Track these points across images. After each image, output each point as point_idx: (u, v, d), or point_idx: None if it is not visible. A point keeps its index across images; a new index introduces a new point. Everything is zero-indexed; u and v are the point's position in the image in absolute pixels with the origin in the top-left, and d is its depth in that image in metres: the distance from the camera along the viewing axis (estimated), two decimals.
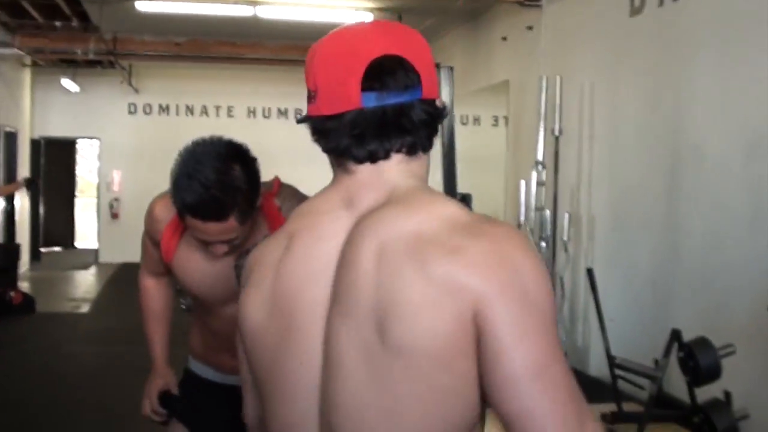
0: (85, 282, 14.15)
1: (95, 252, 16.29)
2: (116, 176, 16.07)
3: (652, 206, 6.18)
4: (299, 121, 1.52)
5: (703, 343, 3.47)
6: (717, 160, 5.39)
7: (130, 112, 15.99)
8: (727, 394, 3.72)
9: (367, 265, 1.31)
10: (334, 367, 1.32)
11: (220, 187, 2.23)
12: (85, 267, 15.50)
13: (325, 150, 1.44)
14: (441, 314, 1.24)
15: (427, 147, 1.46)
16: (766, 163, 4.91)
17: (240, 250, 2.48)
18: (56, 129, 15.83)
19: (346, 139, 1.39)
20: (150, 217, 2.65)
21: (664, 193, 6.03)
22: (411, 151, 1.43)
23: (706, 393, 3.62)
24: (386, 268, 1.29)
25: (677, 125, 5.88)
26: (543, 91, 6.97)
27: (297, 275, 1.39)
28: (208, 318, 2.70)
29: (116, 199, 16.04)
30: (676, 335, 3.56)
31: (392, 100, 1.39)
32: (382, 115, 1.39)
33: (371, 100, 1.38)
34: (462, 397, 1.28)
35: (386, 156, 1.41)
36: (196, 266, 2.58)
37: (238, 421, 2.60)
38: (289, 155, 12.25)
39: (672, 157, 5.94)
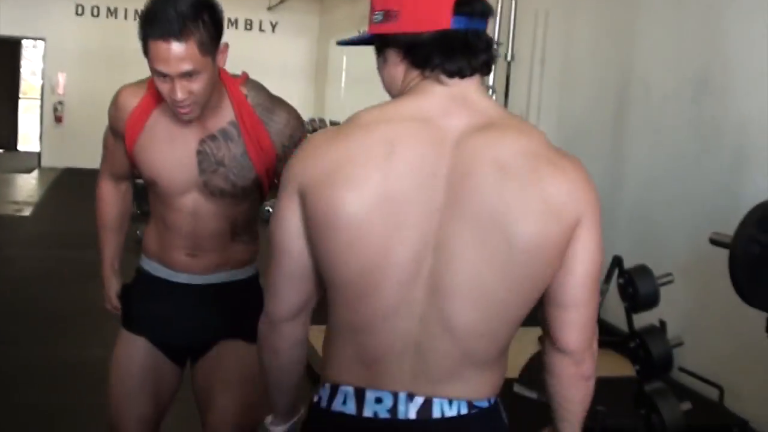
0: (27, 186, 13.96)
1: (38, 155, 16.04)
2: (61, 79, 15.74)
3: (600, 136, 6.22)
4: (364, 42, 1.72)
5: (643, 270, 3.51)
6: (665, 96, 5.43)
7: (77, 14, 15.61)
8: (662, 323, 3.80)
9: (490, 177, 1.53)
10: (452, 260, 1.55)
11: (185, 9, 2.33)
12: (28, 170, 15.27)
13: (415, 64, 1.63)
14: (557, 223, 1.55)
15: (490, 70, 1.69)
16: (713, 101, 4.95)
17: (205, 133, 2.57)
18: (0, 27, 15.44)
19: (438, 55, 1.60)
20: (114, 106, 2.66)
21: (612, 124, 6.07)
22: (486, 70, 1.65)
23: (642, 322, 3.70)
24: (511, 181, 1.53)
25: (628, 58, 5.90)
26: (497, 15, 6.93)
27: (409, 178, 1.55)
28: (165, 211, 2.68)
29: (60, 103, 15.75)
30: (617, 262, 3.61)
31: (475, 25, 1.62)
32: (465, 37, 1.60)
33: (462, 23, 1.59)
34: (545, 286, 1.63)
35: (471, 73, 1.62)
36: (158, 151, 2.61)
37: (188, 317, 2.72)
38: (235, 64, 12.06)
39: (621, 90, 5.97)
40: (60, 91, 15.74)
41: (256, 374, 2.35)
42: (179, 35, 2.32)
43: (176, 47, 2.32)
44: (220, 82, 2.56)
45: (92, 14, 15.61)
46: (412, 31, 1.60)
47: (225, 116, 2.58)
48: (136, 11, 15.29)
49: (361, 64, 12.52)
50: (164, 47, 2.33)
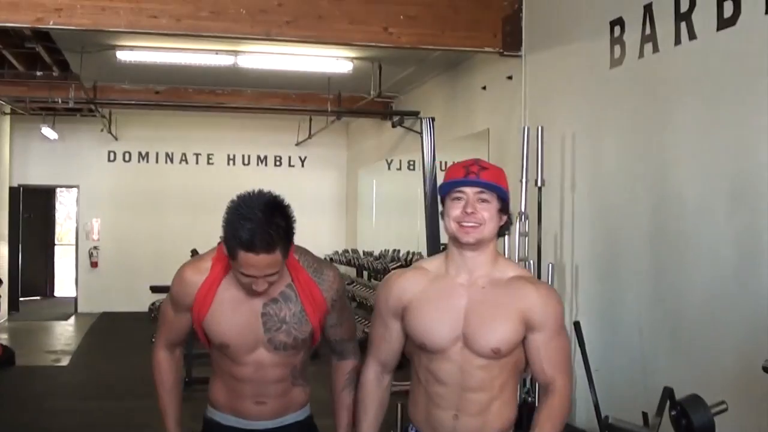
0: (65, 333, 14.00)
1: (74, 301, 16.15)
2: (95, 224, 15.98)
3: (637, 256, 6.17)
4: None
5: (696, 401, 3.42)
6: (701, 211, 5.39)
7: (109, 160, 15.95)
8: None
9: None
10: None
11: (268, 224, 2.72)
12: (65, 317, 15.34)
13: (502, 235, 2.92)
14: None
15: None
16: (751, 214, 4.91)
17: (267, 298, 2.95)
18: (35, 177, 15.79)
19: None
20: (181, 284, 3.00)
21: (649, 243, 6.02)
22: None
23: None
24: None
25: (660, 175, 5.89)
26: (524, 141, 6.97)
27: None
28: (233, 367, 3.02)
29: (95, 248, 15.95)
30: (668, 393, 3.52)
31: None
32: None
33: None
34: None
35: None
36: (228, 319, 2.95)
37: None
38: None
39: (655, 207, 5.95)
40: (94, 236, 15.95)
41: None
42: (268, 249, 2.72)
43: (264, 258, 2.73)
44: None
45: (124, 160, 15.92)
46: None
47: (283, 280, 2.96)
48: (167, 154, 15.68)
49: (391, 194, 12.69)
50: (255, 258, 2.73)
